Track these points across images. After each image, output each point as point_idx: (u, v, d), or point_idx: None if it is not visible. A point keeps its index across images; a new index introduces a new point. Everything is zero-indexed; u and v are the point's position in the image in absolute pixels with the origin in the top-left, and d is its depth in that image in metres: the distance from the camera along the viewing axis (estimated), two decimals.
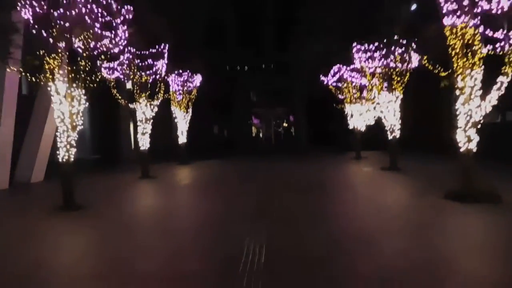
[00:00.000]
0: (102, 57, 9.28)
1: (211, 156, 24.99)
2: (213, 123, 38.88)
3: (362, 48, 14.36)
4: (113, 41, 9.06)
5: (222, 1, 32.04)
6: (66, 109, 8.91)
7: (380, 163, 16.27)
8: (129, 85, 15.44)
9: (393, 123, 14.30)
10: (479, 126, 8.36)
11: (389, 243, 5.75)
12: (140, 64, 13.80)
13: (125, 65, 13.73)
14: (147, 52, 13.75)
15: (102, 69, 14.18)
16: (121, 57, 13.40)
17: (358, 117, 19.63)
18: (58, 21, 8.36)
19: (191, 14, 17.63)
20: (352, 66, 18.82)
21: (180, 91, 19.47)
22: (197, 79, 19.70)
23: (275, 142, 44.63)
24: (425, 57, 9.60)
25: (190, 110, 20.20)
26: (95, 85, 9.08)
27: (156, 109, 14.78)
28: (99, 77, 9.26)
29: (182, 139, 20.29)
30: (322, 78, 20.64)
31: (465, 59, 8.28)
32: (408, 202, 9.14)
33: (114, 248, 6.01)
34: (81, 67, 8.86)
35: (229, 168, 18.52)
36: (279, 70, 39.09)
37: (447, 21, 8.32)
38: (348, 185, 12.74)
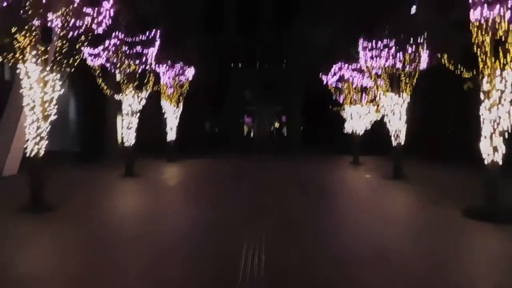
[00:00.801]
0: (83, 38, 8.11)
1: (201, 154, 23.86)
2: (205, 119, 37.66)
3: (369, 45, 13.35)
4: (96, 20, 7.89)
5: None
6: (38, 95, 7.75)
7: (381, 169, 15.34)
8: (117, 75, 14.18)
9: (398, 127, 13.33)
10: (506, 135, 7.42)
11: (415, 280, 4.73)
12: (128, 51, 12.61)
13: (111, 52, 12.57)
14: (136, 39, 12.55)
15: (86, 55, 13.31)
16: (107, 41, 12.32)
17: (358, 120, 18.65)
18: None
19: None
20: (354, 65, 17.95)
21: (171, 84, 18.30)
22: (190, 71, 18.54)
23: (267, 142, 43.59)
24: (445, 56, 8.62)
25: (181, 104, 19.04)
26: (72, 69, 7.90)
27: (143, 101, 13.63)
28: (78, 61, 8.05)
29: (171, 135, 19.12)
30: (322, 77, 19.58)
31: (494, 58, 7.33)
32: (423, 220, 8.02)
33: (75, 263, 4.92)
34: (57, 48, 7.70)
35: (219, 169, 17.36)
36: (276, 59, 37.62)
37: (475, 13, 7.36)
38: (350, 194, 11.76)
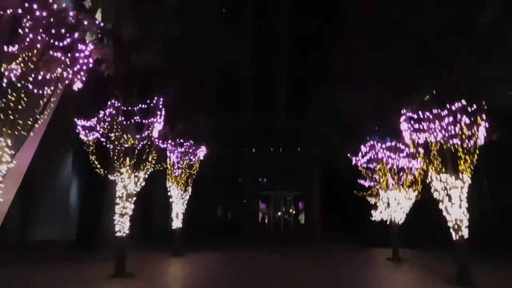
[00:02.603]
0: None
1: (211, 245, 20.86)
2: (217, 204, 34.96)
3: (415, 116, 11.09)
4: (69, 69, 5.80)
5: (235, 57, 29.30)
6: None
7: (435, 269, 12.27)
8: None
9: (458, 217, 10.54)
10: None
11: None
12: (125, 122, 10.53)
13: (106, 123, 10.52)
14: (135, 108, 10.54)
15: (79, 128, 11.28)
16: (101, 112, 10.32)
17: (396, 207, 15.82)
18: None
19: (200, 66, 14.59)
20: (388, 144, 15.64)
21: (179, 165, 16.07)
22: (201, 151, 16.39)
23: (283, 230, 40.12)
24: None
25: (189, 188, 16.61)
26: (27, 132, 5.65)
27: (143, 182, 11.26)
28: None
29: (177, 223, 16.41)
30: (350, 157, 17.18)
31: None
32: None
33: None
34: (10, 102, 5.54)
35: (231, 266, 14.19)
36: (292, 143, 35.64)
37: None
38: None
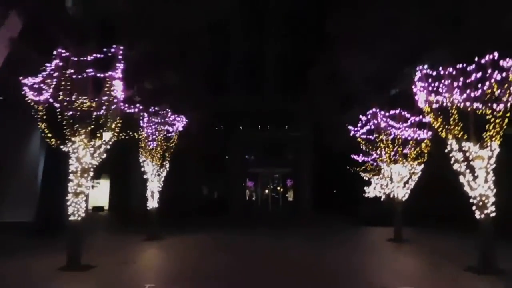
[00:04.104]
0: None
1: (193, 226, 19.05)
2: (201, 183, 33.04)
3: (433, 72, 9.17)
4: None
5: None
6: None
7: (447, 253, 10.68)
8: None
9: (484, 192, 8.81)
10: None
11: None
12: (76, 76, 8.37)
13: (55, 80, 8.39)
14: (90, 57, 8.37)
15: (26, 88, 9.14)
16: (46, 65, 8.19)
17: (399, 182, 14.09)
18: None
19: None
20: (392, 112, 13.84)
21: (154, 137, 14.03)
22: (179, 121, 14.33)
23: (272, 209, 38.56)
24: None
25: (167, 163, 14.60)
26: None
27: (103, 155, 9.21)
28: None
29: (153, 203, 14.46)
30: (348, 127, 15.31)
31: None
32: None
33: None
34: None
35: (214, 252, 12.34)
36: (283, 119, 33.47)
37: None
38: None
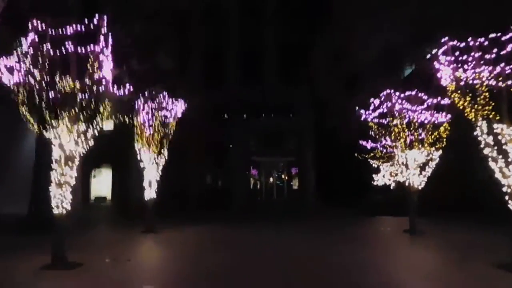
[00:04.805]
0: None
1: (195, 218, 18.14)
2: (204, 171, 32.11)
3: (461, 44, 8.08)
4: None
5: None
6: None
7: (471, 247, 9.74)
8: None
9: None
10: None
11: None
12: (54, 52, 7.35)
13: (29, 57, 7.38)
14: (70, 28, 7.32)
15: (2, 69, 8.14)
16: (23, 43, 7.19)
17: (415, 169, 13.06)
18: None
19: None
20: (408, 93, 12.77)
21: (151, 122, 13.04)
22: (176, 105, 13.31)
23: (276, 198, 37.68)
24: None
25: (165, 151, 13.61)
26: None
27: (90, 142, 8.23)
28: None
29: (150, 193, 13.54)
30: (359, 111, 14.22)
31: None
32: None
33: None
34: None
35: (214, 246, 11.29)
36: (285, 109, 32.30)
37: None
38: None
